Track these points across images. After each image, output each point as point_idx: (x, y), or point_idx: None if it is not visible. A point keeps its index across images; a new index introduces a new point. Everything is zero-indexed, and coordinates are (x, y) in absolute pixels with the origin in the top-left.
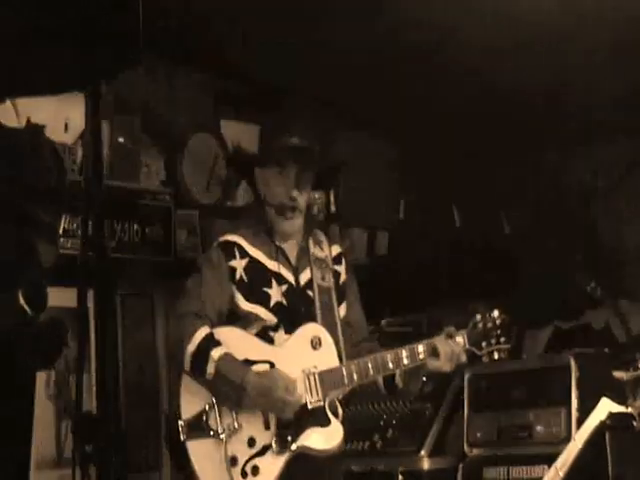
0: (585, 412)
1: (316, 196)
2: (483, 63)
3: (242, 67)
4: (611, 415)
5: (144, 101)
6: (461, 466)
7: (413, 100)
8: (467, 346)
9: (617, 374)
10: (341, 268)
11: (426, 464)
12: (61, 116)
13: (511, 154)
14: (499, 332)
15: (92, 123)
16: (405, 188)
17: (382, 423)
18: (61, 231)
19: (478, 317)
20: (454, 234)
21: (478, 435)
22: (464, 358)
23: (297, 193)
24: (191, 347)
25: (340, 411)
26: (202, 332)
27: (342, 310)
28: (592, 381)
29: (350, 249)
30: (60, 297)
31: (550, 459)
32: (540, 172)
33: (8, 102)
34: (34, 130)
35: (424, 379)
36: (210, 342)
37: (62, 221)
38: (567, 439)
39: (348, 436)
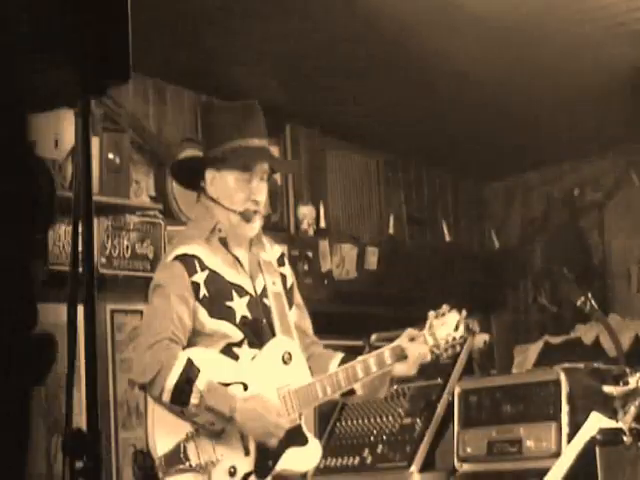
0: (575, 427)
1: (305, 211)
2: (473, 81)
3: (232, 82)
4: (601, 430)
5: (134, 117)
6: None
7: (403, 116)
8: (429, 346)
9: (607, 389)
10: (285, 270)
11: (416, 479)
12: (51, 132)
13: (501, 169)
14: (454, 328)
15: (82, 139)
16: (394, 203)
17: (372, 438)
18: (50, 247)
19: (431, 315)
20: (444, 249)
21: (468, 450)
22: (429, 358)
23: (261, 197)
24: (172, 379)
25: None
26: (182, 360)
27: (293, 315)
28: (582, 396)
29: (340, 264)
30: (49, 313)
31: (540, 474)
32: (529, 187)
33: None
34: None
35: (388, 384)
36: (191, 370)
37: (51, 237)
38: (557, 454)
39: (338, 451)
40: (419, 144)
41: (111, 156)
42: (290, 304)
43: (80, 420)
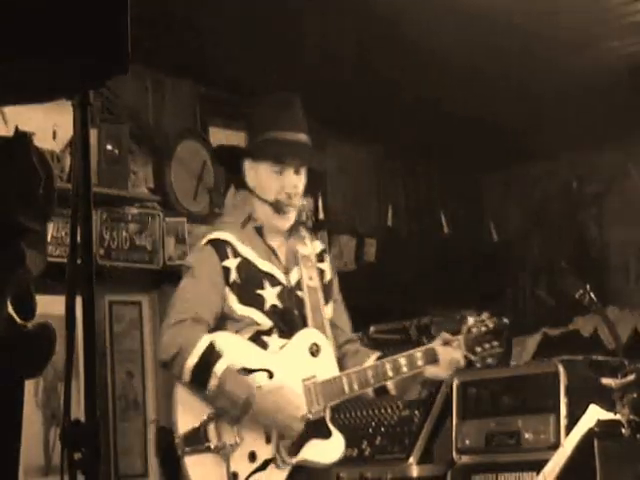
0: (574, 419)
1: (304, 203)
2: (472, 72)
3: (230, 75)
4: (600, 422)
5: (132, 109)
6: (449, 473)
7: (401, 108)
8: (464, 351)
9: (606, 381)
10: (325, 266)
11: (415, 471)
12: (49, 124)
13: (499, 161)
14: (491, 336)
15: (80, 131)
16: (393, 195)
17: (371, 430)
18: (49, 239)
19: (471, 321)
20: (442, 241)
21: (466, 442)
22: (463, 363)
23: (295, 189)
24: (192, 360)
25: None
26: (203, 342)
27: (329, 310)
28: (581, 388)
29: (339, 256)
30: (48, 305)
31: (539, 466)
32: (528, 179)
33: None
34: (23, 138)
35: (419, 386)
36: (212, 353)
37: (50, 228)
38: (555, 446)
39: None
40: (418, 136)
41: (109, 147)
42: (327, 299)
43: (78, 411)
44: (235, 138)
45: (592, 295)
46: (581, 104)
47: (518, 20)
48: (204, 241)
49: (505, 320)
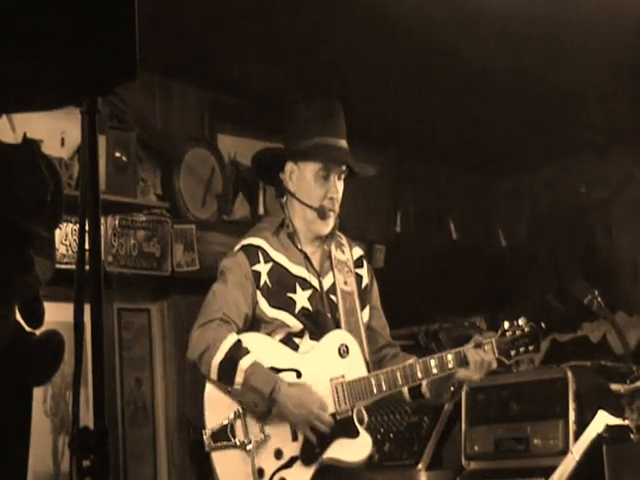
0: (582, 425)
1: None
2: (481, 79)
3: (238, 81)
4: (608, 428)
5: (140, 116)
6: (458, 479)
7: (411, 113)
8: (496, 355)
9: (614, 387)
10: (363, 271)
11: (423, 477)
12: (57, 131)
13: (507, 167)
14: (527, 340)
15: (88, 138)
16: (402, 201)
17: (379, 436)
18: (57, 246)
19: (506, 325)
20: (451, 247)
21: (475, 448)
22: (495, 365)
23: (337, 196)
24: (219, 356)
25: (365, 418)
26: (230, 340)
27: (365, 315)
28: (589, 394)
29: None
30: (56, 312)
31: (547, 472)
32: (536, 185)
33: (4, 117)
34: (31, 145)
35: (452, 389)
36: (238, 350)
37: (59, 236)
38: (564, 452)
39: None
40: (426, 141)
41: (118, 154)
42: (363, 304)
43: (87, 418)
44: (244, 145)
45: (600, 301)
46: (589, 109)
47: (531, 25)
48: (237, 247)
49: (542, 324)
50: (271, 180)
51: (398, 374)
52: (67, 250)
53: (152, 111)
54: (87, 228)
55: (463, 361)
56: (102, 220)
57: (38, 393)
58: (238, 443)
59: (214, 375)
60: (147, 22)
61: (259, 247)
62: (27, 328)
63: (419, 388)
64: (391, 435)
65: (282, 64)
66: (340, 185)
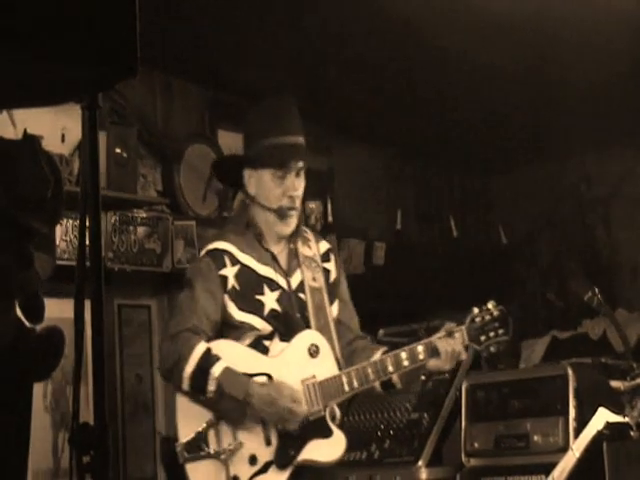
0: (582, 422)
1: (313, 207)
2: (480, 77)
3: (239, 78)
4: (608, 425)
5: (141, 112)
6: (458, 476)
7: (410, 110)
8: (467, 342)
9: (614, 384)
10: (330, 265)
11: (424, 474)
12: (58, 127)
13: (508, 164)
14: (497, 324)
15: (89, 134)
16: (402, 198)
17: (379, 433)
18: (58, 242)
19: (475, 311)
20: (451, 244)
21: (475, 445)
22: (464, 355)
23: (296, 193)
24: (190, 367)
25: (338, 416)
26: (200, 349)
27: (334, 309)
28: (589, 391)
29: (348, 259)
30: (57, 308)
31: (547, 469)
32: (537, 182)
33: (5, 113)
34: (31, 141)
35: (423, 378)
36: (209, 359)
37: (59, 232)
38: (564, 449)
39: (346, 446)
40: (426, 139)
41: (118, 150)
42: (332, 299)
43: (87, 414)
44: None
45: (601, 298)
46: (589, 106)
47: (529, 23)
48: (203, 252)
49: (507, 309)
50: (233, 185)
51: (369, 370)
52: (67, 246)
53: (153, 107)
54: (87, 224)
55: (434, 351)
56: (102, 216)
57: (38, 389)
58: (212, 452)
59: (186, 386)
60: (148, 18)
61: (225, 251)
62: (27, 324)
63: (390, 379)
64: (391, 432)
65: (283, 62)
66: (299, 182)
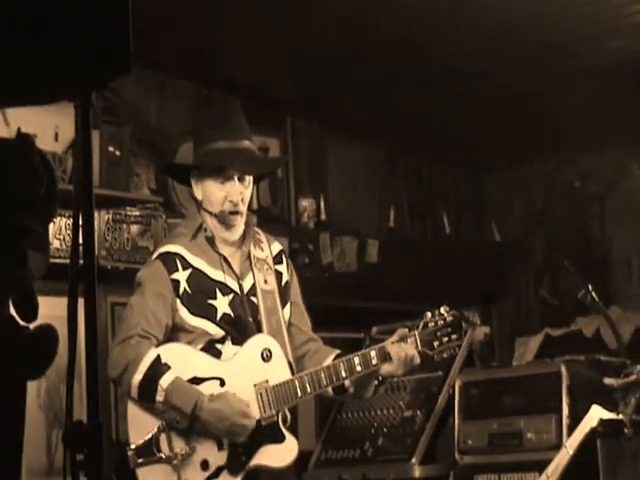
0: (576, 419)
1: (306, 204)
2: (474, 71)
3: (232, 76)
4: (602, 422)
5: (134, 110)
6: (452, 474)
7: (403, 108)
8: (419, 348)
9: (608, 381)
10: (282, 267)
11: (417, 472)
12: (51, 125)
13: (501, 161)
14: (449, 330)
15: (82, 132)
16: (395, 196)
17: (373, 431)
18: (51, 240)
19: (428, 316)
20: (444, 242)
21: (469, 442)
22: (418, 360)
23: (238, 198)
24: (138, 376)
25: (288, 418)
26: (149, 357)
27: (286, 312)
28: (583, 388)
29: (341, 257)
30: (50, 306)
31: (541, 466)
32: (531, 179)
33: None
34: (25, 140)
35: (376, 383)
36: (158, 368)
37: (52, 230)
38: (558, 446)
39: (339, 444)
40: (420, 136)
41: (111, 149)
42: (284, 302)
43: (81, 412)
44: None
45: (594, 295)
46: (584, 103)
47: (523, 22)
48: (154, 256)
49: (466, 313)
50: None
51: (322, 375)
52: (61, 244)
53: (146, 106)
54: (81, 222)
55: (387, 356)
56: (96, 214)
57: (32, 387)
58: (163, 457)
59: (135, 394)
60: (141, 17)
61: (177, 254)
62: (21, 322)
63: (342, 384)
64: (384, 430)
65: (277, 59)
66: (243, 186)
